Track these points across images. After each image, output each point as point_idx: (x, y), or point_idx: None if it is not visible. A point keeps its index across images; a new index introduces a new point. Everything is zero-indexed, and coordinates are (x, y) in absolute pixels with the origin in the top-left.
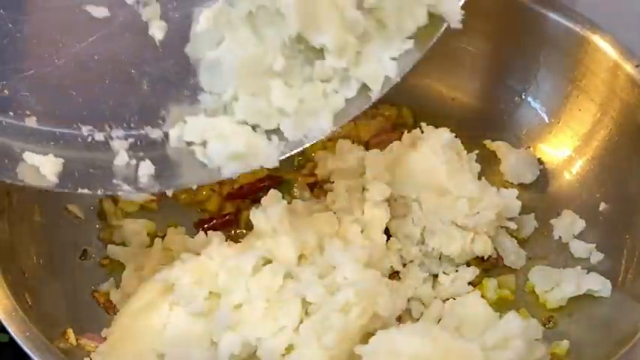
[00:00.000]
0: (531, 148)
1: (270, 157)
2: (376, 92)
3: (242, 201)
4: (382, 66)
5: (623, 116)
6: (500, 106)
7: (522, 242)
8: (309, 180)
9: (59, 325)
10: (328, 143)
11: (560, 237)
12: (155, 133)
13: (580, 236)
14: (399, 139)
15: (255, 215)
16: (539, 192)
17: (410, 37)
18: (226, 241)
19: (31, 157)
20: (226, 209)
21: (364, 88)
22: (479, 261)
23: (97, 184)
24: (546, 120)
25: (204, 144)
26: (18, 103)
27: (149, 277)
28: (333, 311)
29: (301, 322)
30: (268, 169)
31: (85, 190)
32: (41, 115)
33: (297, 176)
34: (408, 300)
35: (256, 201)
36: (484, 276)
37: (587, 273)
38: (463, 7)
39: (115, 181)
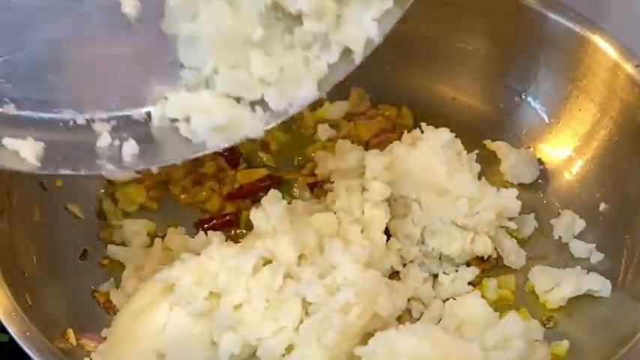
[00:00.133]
0: (531, 148)
1: (255, 127)
2: (359, 55)
3: (242, 201)
4: (363, 28)
5: (623, 116)
6: (500, 106)
7: (522, 242)
8: (309, 180)
9: (59, 325)
10: (328, 143)
11: (560, 237)
12: (137, 114)
13: (580, 236)
14: (399, 139)
15: (255, 215)
16: (539, 192)
17: None
18: (226, 241)
19: (10, 142)
20: (226, 209)
21: (346, 52)
22: (479, 261)
23: (80, 165)
24: (546, 120)
25: (187, 120)
26: None
27: (149, 277)
28: (333, 311)
29: (301, 322)
30: (268, 169)
31: (68, 171)
32: (19, 101)
33: (297, 176)
34: (408, 300)
35: (256, 201)
36: (484, 276)
37: (587, 273)
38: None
39: (98, 161)
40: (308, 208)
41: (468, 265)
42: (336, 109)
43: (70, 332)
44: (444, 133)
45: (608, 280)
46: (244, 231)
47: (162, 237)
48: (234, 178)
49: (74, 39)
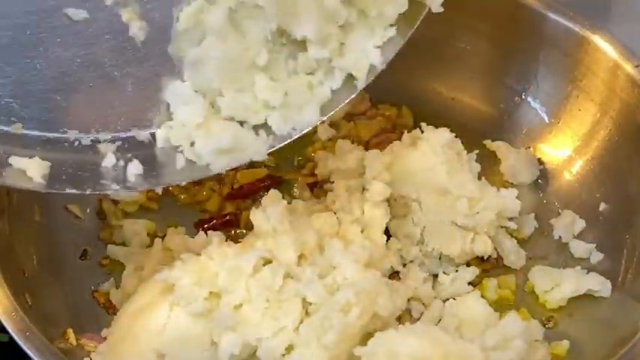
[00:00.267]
0: (531, 148)
1: (259, 150)
2: (362, 81)
3: (242, 201)
4: (366, 55)
5: (623, 116)
6: (500, 106)
7: (522, 242)
8: (309, 180)
9: (59, 325)
10: (328, 143)
11: (560, 237)
12: (142, 135)
13: (580, 236)
14: (399, 139)
15: (255, 215)
16: (539, 192)
17: (392, 25)
18: (226, 241)
19: (17, 161)
20: (226, 209)
21: (350, 78)
22: (479, 261)
23: (85, 184)
24: (546, 120)
25: (192, 143)
26: (2, 110)
27: (149, 277)
28: (333, 311)
29: (301, 322)
30: (268, 169)
31: (73, 191)
32: (26, 120)
33: (297, 176)
34: (408, 300)
35: (256, 201)
36: (484, 276)
37: (587, 273)
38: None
39: (103, 181)
40: (308, 208)
41: (468, 265)
42: None
43: (70, 332)
44: (444, 133)
45: (608, 280)
46: (244, 231)
47: (162, 237)
48: (234, 178)
49: (81, 60)
